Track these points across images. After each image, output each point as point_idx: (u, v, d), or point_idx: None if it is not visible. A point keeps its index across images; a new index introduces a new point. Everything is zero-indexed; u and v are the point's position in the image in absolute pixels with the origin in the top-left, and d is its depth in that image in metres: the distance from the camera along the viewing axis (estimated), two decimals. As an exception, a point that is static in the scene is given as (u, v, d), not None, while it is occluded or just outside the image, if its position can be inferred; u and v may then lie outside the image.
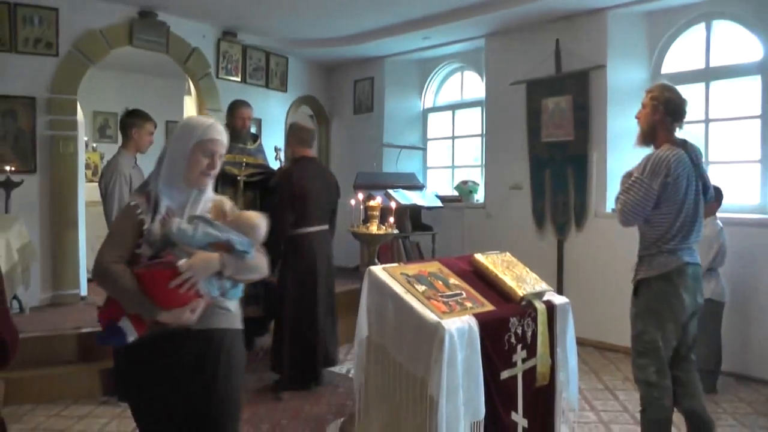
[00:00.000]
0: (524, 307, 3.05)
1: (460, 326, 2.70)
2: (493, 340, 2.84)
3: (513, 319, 2.95)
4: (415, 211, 7.52)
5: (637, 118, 3.58)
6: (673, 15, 6.17)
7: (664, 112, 3.41)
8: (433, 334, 2.66)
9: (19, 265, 3.84)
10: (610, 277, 6.12)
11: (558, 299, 3.25)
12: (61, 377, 4.81)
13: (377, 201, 3.74)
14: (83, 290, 6.64)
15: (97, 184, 7.61)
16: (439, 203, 7.54)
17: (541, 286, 3.24)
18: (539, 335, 3.05)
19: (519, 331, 2.97)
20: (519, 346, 2.95)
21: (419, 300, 2.83)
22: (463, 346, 2.69)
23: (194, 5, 6.95)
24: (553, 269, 6.60)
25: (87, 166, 7.78)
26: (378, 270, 3.04)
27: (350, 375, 5.37)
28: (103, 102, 9.76)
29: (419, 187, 7.82)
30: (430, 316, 2.72)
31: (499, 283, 3.17)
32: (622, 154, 6.27)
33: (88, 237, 6.79)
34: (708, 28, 6.08)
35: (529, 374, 3.02)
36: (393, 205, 4.15)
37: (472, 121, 8.36)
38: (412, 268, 3.13)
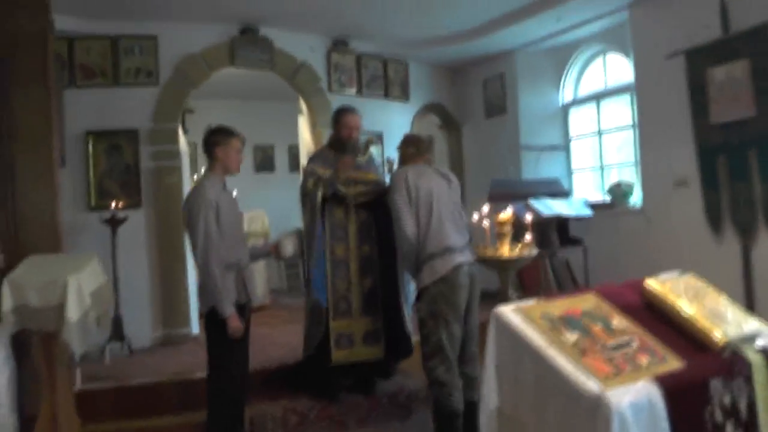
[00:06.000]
0: (729, 361, 2.06)
1: (635, 399, 1.79)
2: (687, 417, 1.89)
3: (715, 382, 1.97)
4: (561, 222, 6.47)
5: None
6: None
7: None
8: (592, 412, 1.78)
9: (92, 310, 3.35)
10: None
11: (781, 342, 2.21)
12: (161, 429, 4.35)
13: (507, 214, 2.85)
14: (194, 328, 6.28)
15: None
16: (588, 211, 6.46)
17: (751, 324, 2.23)
18: (760, 403, 2.04)
19: (726, 399, 1.98)
20: (730, 424, 1.96)
21: (569, 357, 1.95)
22: (642, 430, 1.77)
23: (298, 17, 6.49)
24: (738, 284, 5.29)
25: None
26: (509, 313, 2.18)
27: None
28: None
29: (564, 194, 6.80)
30: (587, 384, 1.83)
31: (684, 323, 2.20)
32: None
33: (199, 272, 6.45)
34: None
35: (748, 462, 2.02)
36: (529, 218, 3.22)
37: (622, 111, 7.18)
38: (559, 306, 2.24)
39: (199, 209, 3.63)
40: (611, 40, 7.01)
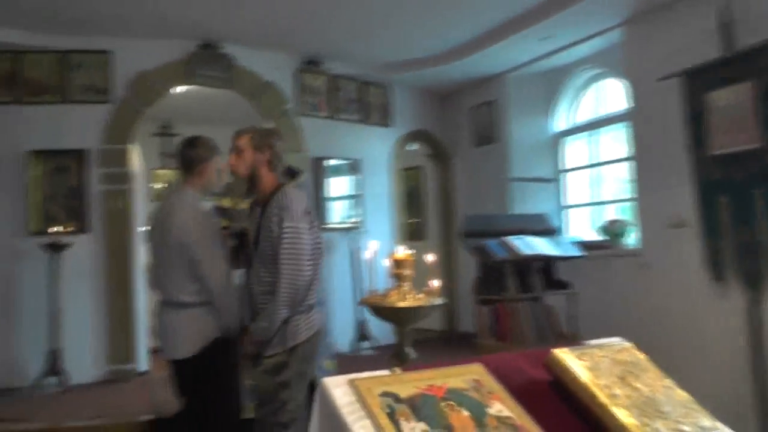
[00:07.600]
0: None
1: None
2: None
3: None
4: (547, 264, 5.72)
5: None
6: None
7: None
8: None
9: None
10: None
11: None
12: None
13: (405, 252, 2.16)
14: (142, 364, 5.81)
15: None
16: (577, 252, 5.70)
17: (698, 421, 1.52)
18: None
19: None
20: None
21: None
22: None
23: (264, 34, 6.00)
24: (742, 344, 4.48)
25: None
26: (336, 387, 1.51)
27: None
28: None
29: (552, 232, 6.05)
30: None
31: (599, 414, 1.50)
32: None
33: (150, 303, 5.89)
34: None
35: None
36: (431, 257, 2.49)
37: (620, 142, 6.46)
38: (417, 380, 1.55)
39: (199, 222, 3.15)
40: (607, 63, 6.32)
